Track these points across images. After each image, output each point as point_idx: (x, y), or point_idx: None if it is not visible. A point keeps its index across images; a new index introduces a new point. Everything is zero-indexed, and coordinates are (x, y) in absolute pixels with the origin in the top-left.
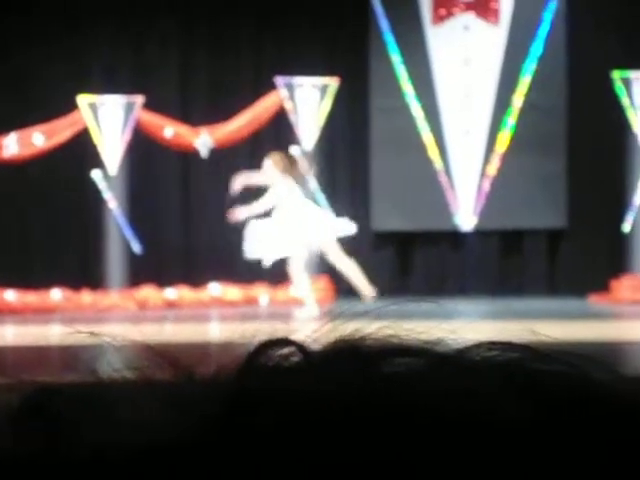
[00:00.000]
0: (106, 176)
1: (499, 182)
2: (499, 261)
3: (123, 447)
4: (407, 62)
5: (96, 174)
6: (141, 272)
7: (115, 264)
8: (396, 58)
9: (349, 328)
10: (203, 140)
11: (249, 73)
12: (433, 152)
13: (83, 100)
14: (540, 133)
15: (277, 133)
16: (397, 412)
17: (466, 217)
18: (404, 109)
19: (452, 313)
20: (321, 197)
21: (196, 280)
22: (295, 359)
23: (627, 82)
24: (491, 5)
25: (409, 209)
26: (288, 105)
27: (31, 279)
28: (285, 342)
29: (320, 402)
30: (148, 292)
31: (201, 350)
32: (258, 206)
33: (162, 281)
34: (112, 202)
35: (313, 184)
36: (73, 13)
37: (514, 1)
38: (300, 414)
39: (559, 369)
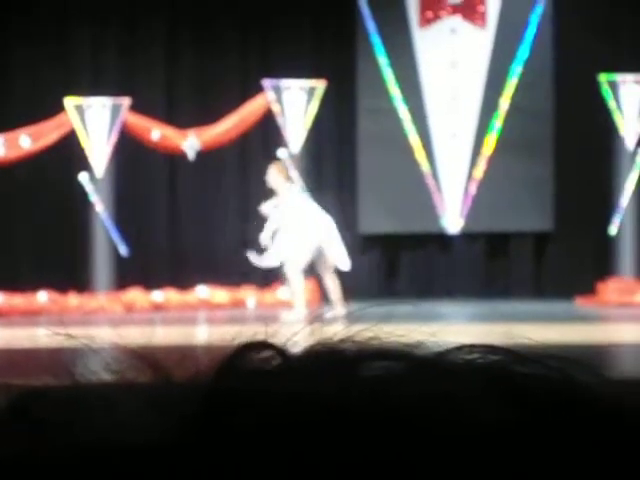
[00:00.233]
0: (93, 178)
1: (486, 185)
2: (486, 263)
3: (104, 448)
4: (394, 65)
5: (83, 176)
6: (128, 275)
7: (102, 267)
8: (383, 60)
9: (330, 331)
10: (190, 142)
11: (236, 75)
12: (420, 155)
13: (70, 102)
14: (527, 136)
15: (264, 136)
16: (374, 415)
17: (453, 220)
18: (391, 112)
19: (436, 315)
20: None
21: (183, 283)
22: (275, 362)
23: (613, 85)
24: (478, 8)
25: (396, 212)
26: (275, 107)
27: (18, 281)
28: (265, 345)
29: (298, 404)
30: (135, 295)
31: (184, 353)
32: (270, 225)
33: (149, 284)
34: (99, 204)
35: (299, 187)
36: (59, 16)
37: (501, 4)
38: (278, 416)
39: (541, 372)
